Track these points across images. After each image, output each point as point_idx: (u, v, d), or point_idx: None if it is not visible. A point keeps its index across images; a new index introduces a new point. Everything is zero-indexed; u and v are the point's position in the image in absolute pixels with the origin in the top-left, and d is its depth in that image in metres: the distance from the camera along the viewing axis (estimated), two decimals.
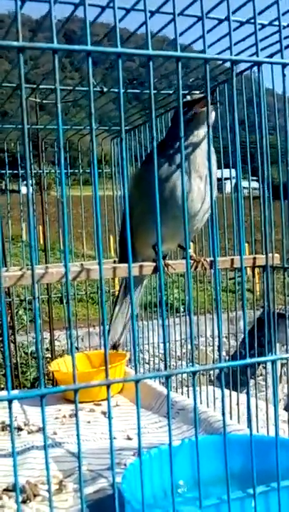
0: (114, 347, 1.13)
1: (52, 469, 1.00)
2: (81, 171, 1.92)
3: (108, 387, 0.60)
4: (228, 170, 1.74)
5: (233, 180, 1.45)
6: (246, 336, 0.75)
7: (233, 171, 1.47)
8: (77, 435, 0.62)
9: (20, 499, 0.90)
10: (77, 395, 0.60)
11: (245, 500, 0.71)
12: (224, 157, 1.48)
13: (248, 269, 1.09)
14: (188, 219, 1.05)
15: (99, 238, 0.62)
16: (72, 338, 0.65)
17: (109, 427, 0.61)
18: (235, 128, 0.71)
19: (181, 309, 3.60)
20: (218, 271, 0.70)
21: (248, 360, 0.70)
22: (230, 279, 3.80)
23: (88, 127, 1.74)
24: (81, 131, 1.73)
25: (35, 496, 0.92)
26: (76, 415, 0.58)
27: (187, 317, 2.00)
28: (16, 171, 1.88)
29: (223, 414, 0.69)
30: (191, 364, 0.67)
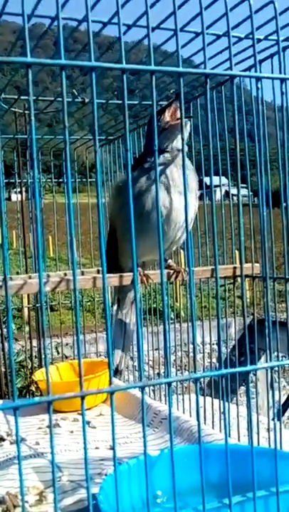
0: (116, 372, 1.10)
1: (33, 480, 0.99)
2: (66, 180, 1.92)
3: (82, 398, 0.61)
4: (217, 177, 1.75)
5: (224, 188, 1.46)
6: (220, 345, 0.75)
7: (222, 178, 1.48)
8: (51, 446, 0.62)
9: None
10: (51, 407, 0.61)
11: (221, 510, 0.71)
12: (214, 164, 1.49)
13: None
14: (171, 230, 1.06)
15: (73, 249, 0.63)
16: (47, 350, 0.65)
17: (83, 439, 0.61)
18: (209, 137, 0.72)
19: (172, 316, 3.61)
20: (193, 280, 0.70)
21: (224, 371, 0.70)
22: (221, 285, 3.80)
23: (75, 137, 1.75)
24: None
25: (15, 507, 0.92)
26: (50, 426, 0.58)
27: (177, 325, 2.00)
28: (6, 180, 1.88)
29: (199, 423, 0.69)
30: (166, 375, 0.67)
